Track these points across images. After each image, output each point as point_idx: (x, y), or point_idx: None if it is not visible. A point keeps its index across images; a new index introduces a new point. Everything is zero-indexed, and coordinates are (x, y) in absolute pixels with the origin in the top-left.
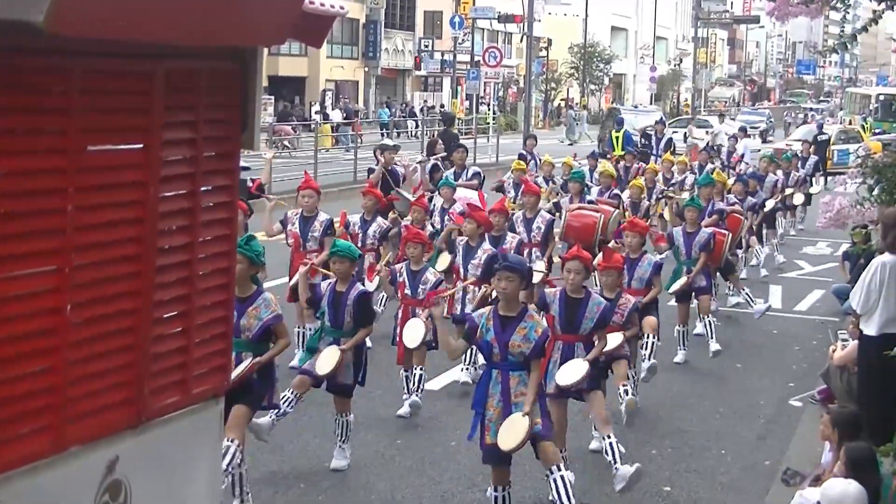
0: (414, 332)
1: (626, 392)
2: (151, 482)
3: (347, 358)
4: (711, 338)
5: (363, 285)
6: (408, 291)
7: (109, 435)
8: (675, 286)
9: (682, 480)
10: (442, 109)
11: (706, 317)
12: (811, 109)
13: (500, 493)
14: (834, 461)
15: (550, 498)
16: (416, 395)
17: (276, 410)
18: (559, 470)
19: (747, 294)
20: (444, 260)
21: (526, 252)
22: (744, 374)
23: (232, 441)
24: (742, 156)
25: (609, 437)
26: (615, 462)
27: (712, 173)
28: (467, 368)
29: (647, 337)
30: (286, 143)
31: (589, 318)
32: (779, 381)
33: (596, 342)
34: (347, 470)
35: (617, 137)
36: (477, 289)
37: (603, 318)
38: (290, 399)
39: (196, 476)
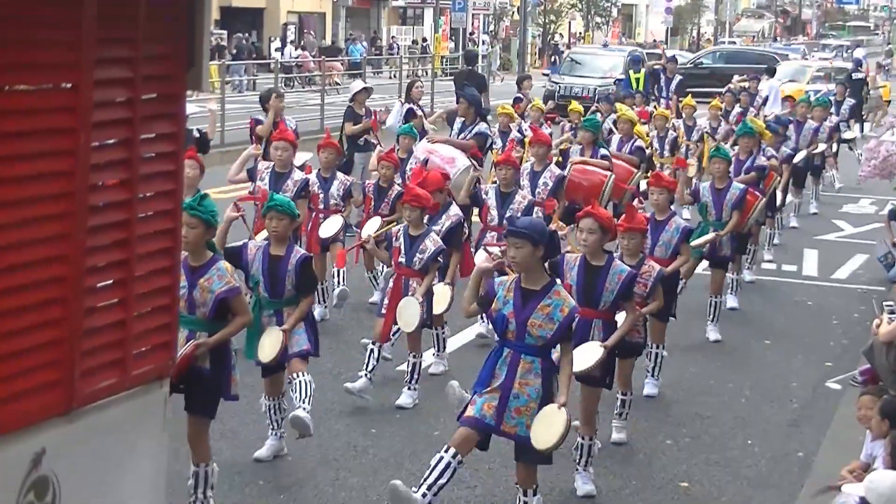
0: (409, 315)
1: (621, 415)
2: (84, 478)
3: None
4: (713, 320)
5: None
6: (402, 259)
7: (35, 424)
8: (699, 240)
9: (701, 475)
10: (467, 49)
11: (716, 297)
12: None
13: (448, 455)
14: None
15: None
16: (410, 389)
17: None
18: (529, 495)
19: (737, 280)
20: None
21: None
22: (773, 351)
23: (199, 466)
24: (766, 99)
25: (588, 438)
26: (578, 464)
27: (744, 118)
28: (437, 354)
29: (653, 347)
30: (336, 79)
31: (609, 289)
32: (814, 360)
33: (621, 319)
34: (314, 464)
35: (637, 79)
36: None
37: (626, 289)
38: (272, 407)
39: (137, 470)
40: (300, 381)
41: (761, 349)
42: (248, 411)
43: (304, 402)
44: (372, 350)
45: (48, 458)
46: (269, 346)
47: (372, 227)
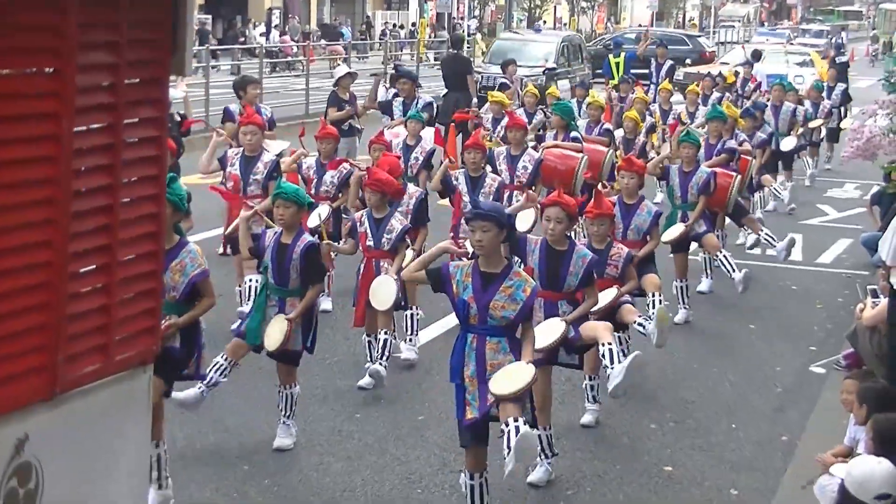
0: (384, 293)
1: (651, 305)
2: (68, 464)
3: (296, 322)
4: (733, 270)
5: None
6: (370, 242)
7: (17, 409)
8: (670, 234)
9: (685, 459)
10: (452, 33)
11: (719, 253)
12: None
13: (475, 480)
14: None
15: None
16: (381, 363)
17: (207, 380)
18: (515, 421)
19: (767, 234)
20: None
21: (507, 194)
22: (757, 336)
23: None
24: (759, 84)
25: (608, 343)
26: (610, 364)
27: (719, 104)
28: (409, 339)
29: (653, 295)
30: (339, 62)
31: (574, 272)
32: (798, 345)
33: (584, 300)
34: (299, 449)
35: (617, 63)
36: None
37: (589, 273)
38: (222, 366)
39: (121, 456)
40: (287, 394)
41: (746, 334)
42: (233, 397)
43: (286, 418)
44: (370, 342)
45: (31, 444)
46: (274, 335)
47: None
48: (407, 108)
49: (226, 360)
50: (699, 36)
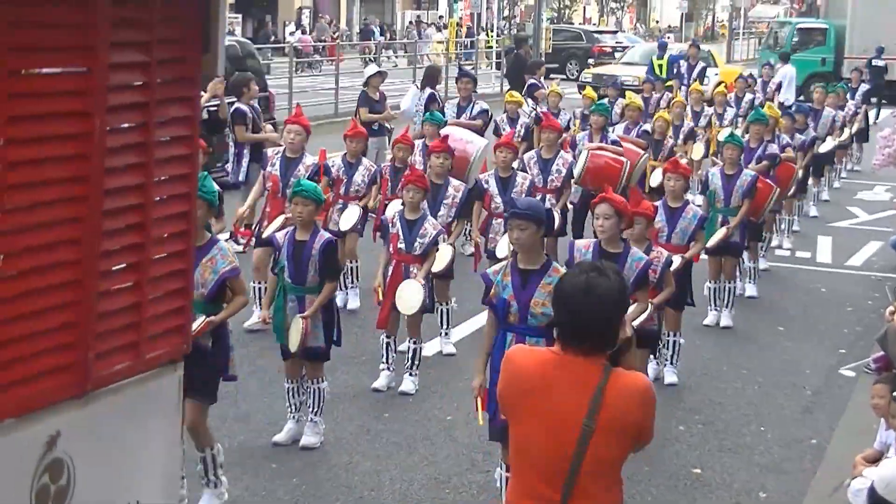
0: (411, 297)
1: (667, 346)
2: (99, 460)
3: (314, 319)
4: (728, 307)
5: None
6: (402, 245)
7: (49, 406)
8: (714, 240)
9: (714, 461)
10: (515, 31)
11: (730, 282)
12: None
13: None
14: None
15: None
16: (411, 375)
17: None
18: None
19: (755, 268)
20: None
21: (538, 198)
22: (787, 338)
23: (205, 451)
24: (779, 85)
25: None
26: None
27: (762, 107)
28: (445, 332)
29: (670, 335)
30: (370, 57)
31: (628, 277)
32: (828, 347)
33: (634, 305)
34: (327, 447)
35: (660, 65)
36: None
37: (643, 276)
38: (291, 390)
39: (151, 453)
40: (315, 389)
41: (775, 336)
42: (261, 395)
43: (314, 415)
44: (388, 343)
45: (63, 441)
46: (294, 335)
47: (393, 209)
48: (461, 110)
49: (292, 382)
50: (599, 32)
